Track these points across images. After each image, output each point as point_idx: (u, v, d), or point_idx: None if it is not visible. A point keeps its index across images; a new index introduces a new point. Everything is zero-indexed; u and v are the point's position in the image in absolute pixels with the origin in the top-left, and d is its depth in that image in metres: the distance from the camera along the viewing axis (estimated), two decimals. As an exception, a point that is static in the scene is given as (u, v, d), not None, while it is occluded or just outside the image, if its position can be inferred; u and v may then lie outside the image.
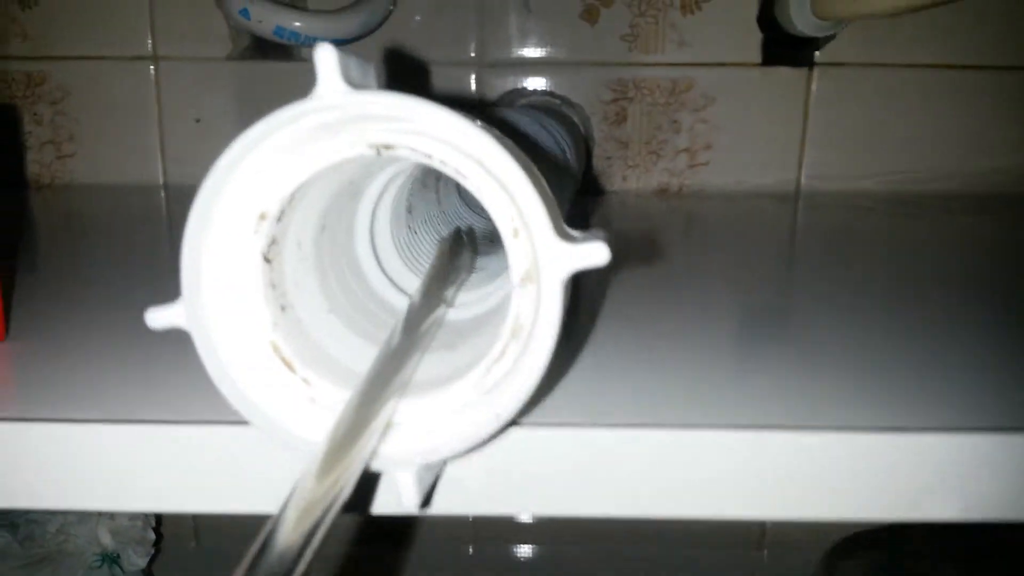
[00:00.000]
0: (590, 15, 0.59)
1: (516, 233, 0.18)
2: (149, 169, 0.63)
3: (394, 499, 0.19)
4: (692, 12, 0.59)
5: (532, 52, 0.60)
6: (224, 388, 0.19)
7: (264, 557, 0.15)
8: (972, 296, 0.36)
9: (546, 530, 0.66)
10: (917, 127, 0.60)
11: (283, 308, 0.21)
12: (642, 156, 0.61)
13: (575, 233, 0.19)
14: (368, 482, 0.21)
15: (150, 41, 0.61)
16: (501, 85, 0.60)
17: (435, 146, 0.19)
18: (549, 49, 0.60)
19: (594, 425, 0.21)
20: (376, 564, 0.64)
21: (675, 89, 0.60)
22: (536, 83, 0.60)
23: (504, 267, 0.25)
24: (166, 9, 0.61)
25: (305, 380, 0.20)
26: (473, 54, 0.60)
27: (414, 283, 0.27)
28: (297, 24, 0.54)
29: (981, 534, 0.47)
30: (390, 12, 0.58)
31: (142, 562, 0.57)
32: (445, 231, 0.33)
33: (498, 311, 0.23)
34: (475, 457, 0.21)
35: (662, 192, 0.62)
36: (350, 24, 0.56)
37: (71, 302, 0.34)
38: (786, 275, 0.42)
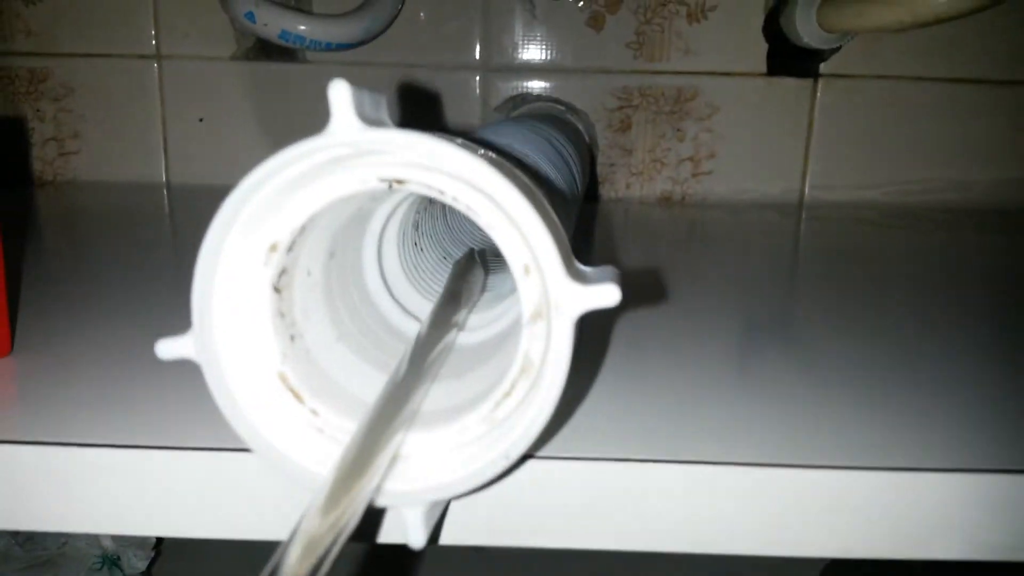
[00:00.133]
0: (596, 22, 0.59)
1: (527, 271, 0.18)
2: (152, 167, 0.63)
3: (400, 530, 0.19)
4: (698, 21, 0.59)
5: (537, 58, 0.60)
6: (233, 421, 0.19)
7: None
8: (977, 315, 0.36)
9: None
10: (921, 139, 0.61)
11: (292, 338, 0.21)
12: (646, 164, 0.61)
13: (586, 270, 0.19)
14: (374, 511, 0.21)
15: (154, 40, 0.61)
16: (506, 90, 0.60)
17: (447, 182, 0.19)
18: (554, 55, 0.60)
19: (600, 459, 0.21)
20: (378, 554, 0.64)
21: (680, 97, 0.60)
22: (541, 89, 0.60)
23: (511, 288, 0.25)
24: (170, 8, 0.61)
25: (313, 411, 0.20)
26: (478, 58, 0.60)
27: (420, 304, 0.27)
28: (302, 28, 0.54)
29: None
30: (395, 16, 0.58)
31: (142, 565, 0.58)
32: (451, 247, 0.33)
33: (506, 338, 0.23)
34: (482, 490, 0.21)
35: (665, 200, 0.62)
36: (355, 28, 0.55)
37: (76, 306, 0.34)
38: (789, 291, 0.42)
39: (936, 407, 0.25)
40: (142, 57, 0.61)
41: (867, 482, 0.21)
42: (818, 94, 0.60)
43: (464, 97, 0.61)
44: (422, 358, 0.21)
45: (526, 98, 0.60)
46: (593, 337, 0.31)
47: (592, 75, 0.60)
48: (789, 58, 0.59)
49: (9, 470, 0.22)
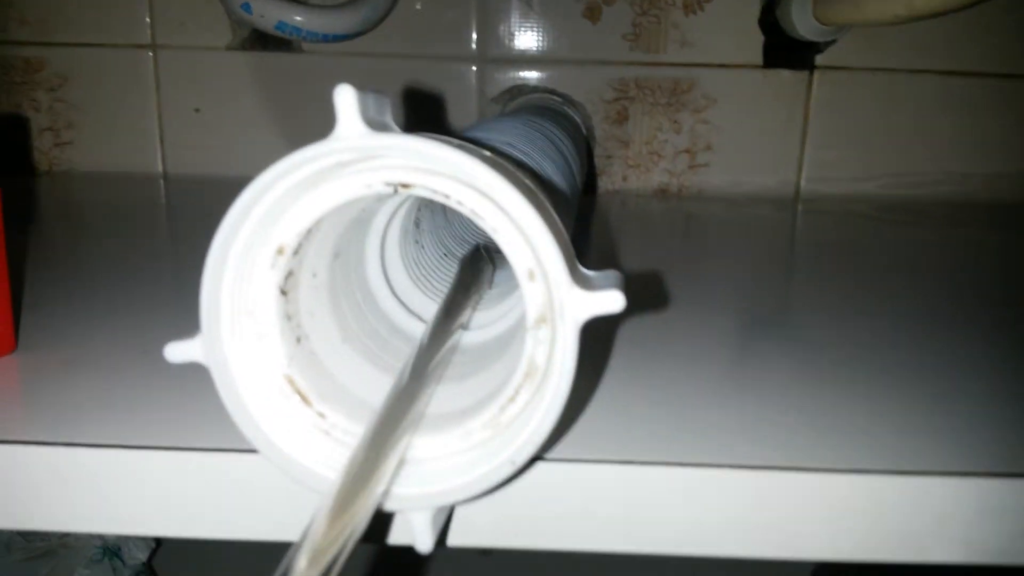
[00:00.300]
0: (592, 13, 0.59)
1: (532, 275, 0.19)
2: (148, 157, 0.63)
3: (406, 531, 0.20)
4: (694, 12, 0.59)
5: (534, 49, 0.60)
6: (242, 425, 0.19)
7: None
8: (974, 311, 0.36)
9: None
10: (917, 132, 0.61)
11: (298, 340, 0.21)
12: (643, 156, 0.61)
13: (591, 275, 0.19)
14: (380, 513, 0.21)
15: (149, 29, 0.61)
16: (502, 80, 0.60)
17: (453, 186, 0.19)
18: (551, 46, 0.60)
19: (603, 461, 0.22)
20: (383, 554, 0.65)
21: (676, 89, 0.60)
22: (537, 80, 0.60)
23: (514, 285, 0.25)
24: (166, -3, 0.60)
25: (320, 414, 0.20)
26: (475, 49, 0.60)
27: (423, 302, 0.27)
28: (299, 19, 0.54)
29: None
30: (392, 7, 0.58)
31: (143, 556, 0.58)
32: (452, 244, 0.33)
33: (510, 338, 0.23)
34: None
35: (662, 192, 0.62)
36: (352, 19, 0.55)
37: (77, 300, 0.34)
38: (784, 284, 0.42)
39: (934, 409, 0.25)
40: (138, 47, 0.61)
41: (868, 485, 0.21)
42: (814, 86, 0.60)
43: (461, 88, 0.61)
44: (427, 360, 0.21)
45: (523, 89, 0.60)
46: (591, 333, 0.31)
47: (589, 66, 0.60)
48: (785, 50, 0.59)
49: (13, 470, 0.22)
